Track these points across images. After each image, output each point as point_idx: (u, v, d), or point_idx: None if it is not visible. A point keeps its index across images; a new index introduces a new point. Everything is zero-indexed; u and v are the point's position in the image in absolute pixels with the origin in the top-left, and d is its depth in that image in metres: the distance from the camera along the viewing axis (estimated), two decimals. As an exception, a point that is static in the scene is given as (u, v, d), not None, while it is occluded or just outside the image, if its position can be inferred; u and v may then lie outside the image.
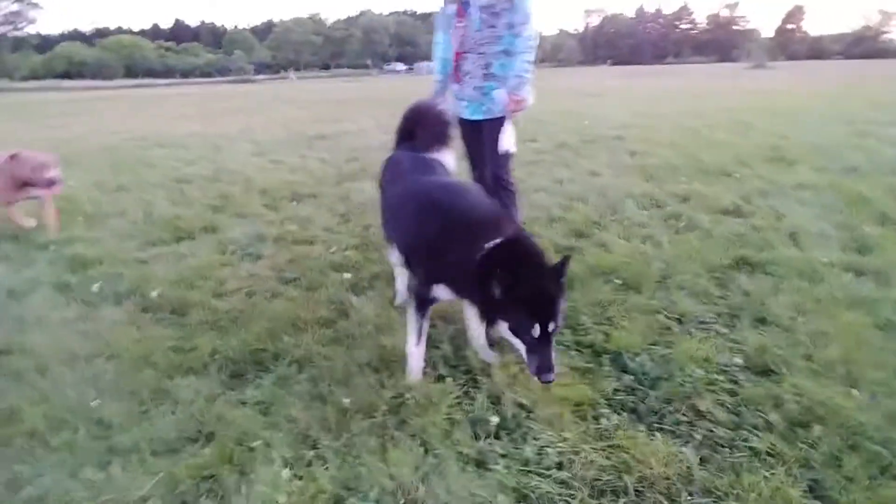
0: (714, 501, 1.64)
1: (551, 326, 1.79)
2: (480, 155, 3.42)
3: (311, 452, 1.84)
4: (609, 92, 19.69)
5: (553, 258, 1.98)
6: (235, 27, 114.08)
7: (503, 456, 1.82)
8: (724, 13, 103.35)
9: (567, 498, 1.66)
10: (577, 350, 2.44)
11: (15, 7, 59.88)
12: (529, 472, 1.75)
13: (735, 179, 5.51)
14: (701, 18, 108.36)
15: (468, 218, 1.96)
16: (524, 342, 1.82)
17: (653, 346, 2.44)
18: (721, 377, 2.19)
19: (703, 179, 5.53)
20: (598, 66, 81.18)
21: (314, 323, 2.72)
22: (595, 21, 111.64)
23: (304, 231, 4.24)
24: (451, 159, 2.80)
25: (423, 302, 2.14)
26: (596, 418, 2.00)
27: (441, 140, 2.74)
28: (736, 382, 2.17)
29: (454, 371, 2.31)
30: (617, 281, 3.09)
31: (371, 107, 15.86)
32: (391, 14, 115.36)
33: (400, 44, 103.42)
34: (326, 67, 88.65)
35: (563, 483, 1.71)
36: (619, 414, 2.03)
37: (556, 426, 1.94)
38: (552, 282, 1.83)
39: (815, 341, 2.41)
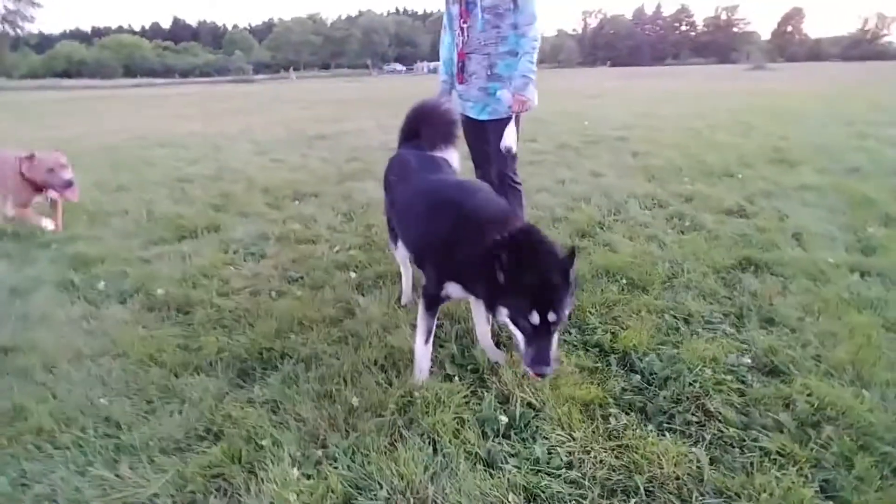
0: (726, 501, 1.64)
1: (552, 316, 1.71)
2: (485, 155, 3.42)
3: (321, 451, 1.83)
4: (609, 93, 19.73)
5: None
6: (235, 27, 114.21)
7: (513, 455, 1.81)
8: (723, 15, 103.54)
9: (578, 498, 1.66)
10: (584, 349, 2.44)
11: (14, 6, 59.71)
12: (539, 471, 1.75)
13: (738, 180, 5.51)
14: (700, 20, 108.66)
15: (480, 215, 1.95)
16: (522, 331, 1.76)
17: (660, 346, 2.43)
18: (729, 377, 2.19)
19: (706, 180, 5.54)
20: (598, 67, 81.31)
21: (320, 322, 2.72)
22: (594, 22, 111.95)
23: (307, 230, 4.24)
24: (456, 158, 2.80)
25: (433, 300, 2.13)
26: (605, 418, 1.99)
27: (447, 139, 2.73)
28: (744, 383, 2.17)
29: (461, 370, 2.30)
30: (623, 281, 3.09)
31: (371, 107, 15.87)
32: (391, 14, 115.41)
33: (400, 44, 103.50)
34: (326, 67, 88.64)
35: (573, 483, 1.71)
36: (627, 414, 2.02)
37: (565, 426, 1.94)
38: (556, 271, 1.75)
39: (824, 342, 2.41)
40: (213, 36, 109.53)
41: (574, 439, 1.87)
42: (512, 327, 1.80)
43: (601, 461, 1.78)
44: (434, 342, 2.29)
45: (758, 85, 22.08)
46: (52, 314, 2.86)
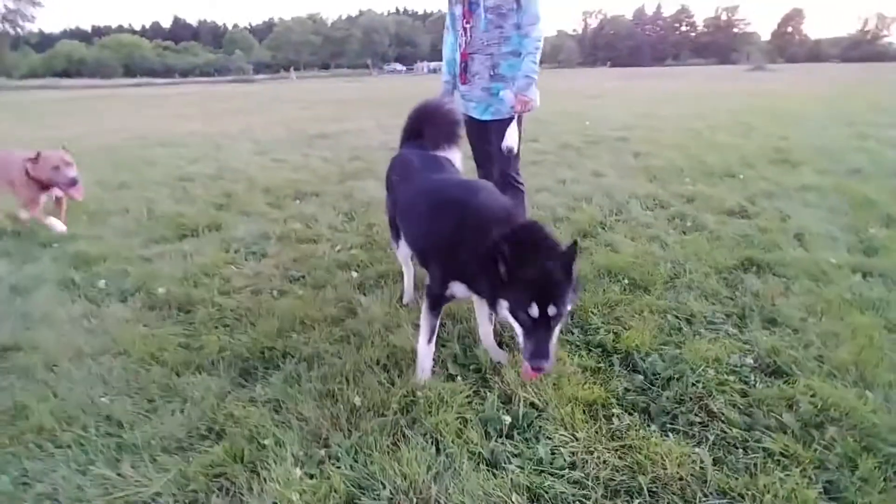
0: (730, 502, 1.63)
1: (552, 310, 1.69)
2: (487, 155, 3.42)
3: (323, 451, 1.82)
4: (609, 93, 19.74)
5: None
6: (235, 26, 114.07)
7: (516, 455, 1.81)
8: (724, 16, 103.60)
9: (581, 498, 1.65)
10: (587, 349, 2.43)
11: (14, 5, 59.63)
12: (543, 471, 1.74)
13: (739, 181, 5.51)
14: (700, 21, 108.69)
15: (484, 214, 1.94)
16: (521, 324, 1.74)
17: (663, 347, 2.43)
18: (732, 378, 2.18)
19: (707, 181, 5.54)
20: (598, 67, 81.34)
21: (322, 321, 2.72)
22: (594, 22, 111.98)
23: (308, 229, 4.23)
24: (459, 159, 2.79)
25: (437, 300, 2.12)
26: (608, 418, 1.99)
27: (450, 139, 2.73)
28: (747, 383, 2.17)
29: (464, 370, 2.30)
30: (625, 281, 3.08)
31: (371, 107, 15.88)
32: (391, 14, 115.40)
33: (400, 44, 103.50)
34: (326, 67, 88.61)
35: (576, 483, 1.70)
36: (630, 414, 2.02)
37: (568, 426, 1.93)
38: (558, 265, 1.74)
39: (826, 343, 2.41)
40: (213, 35, 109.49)
41: (577, 439, 1.87)
42: (512, 321, 1.79)
43: (604, 461, 1.77)
44: (436, 342, 2.28)
45: (758, 86, 22.10)
46: (52, 313, 2.85)
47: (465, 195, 2.08)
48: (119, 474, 1.72)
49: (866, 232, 3.84)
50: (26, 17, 61.74)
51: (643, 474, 1.72)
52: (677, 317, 2.70)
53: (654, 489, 1.68)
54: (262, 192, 5.45)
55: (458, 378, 2.21)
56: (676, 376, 2.19)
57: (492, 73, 3.18)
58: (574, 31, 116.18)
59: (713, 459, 1.78)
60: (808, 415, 1.95)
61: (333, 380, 2.20)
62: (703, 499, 1.64)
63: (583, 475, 1.72)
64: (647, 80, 30.30)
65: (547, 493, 1.66)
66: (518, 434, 1.91)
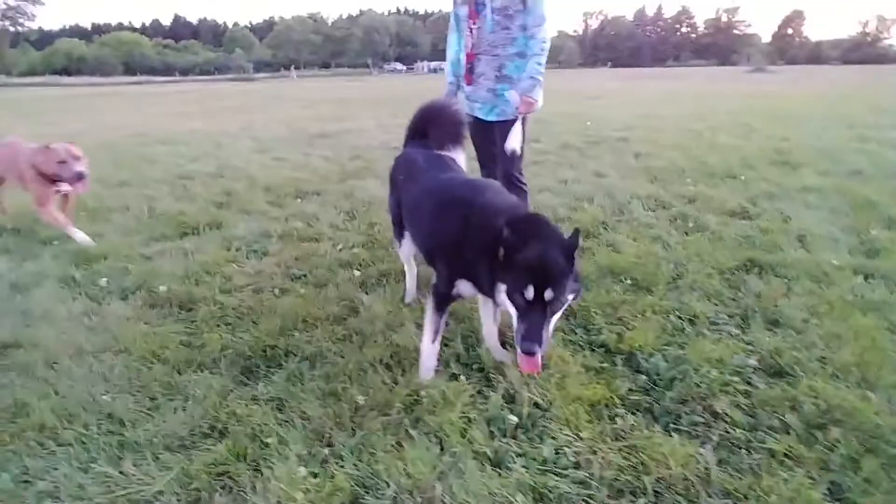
0: (734, 503, 1.63)
1: (548, 294, 1.67)
2: (491, 155, 3.42)
3: (327, 450, 1.82)
4: (610, 94, 19.75)
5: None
6: (235, 25, 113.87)
7: (520, 455, 1.80)
8: (724, 17, 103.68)
9: (586, 498, 1.65)
10: (590, 349, 2.43)
11: (14, 2, 59.55)
12: (547, 471, 1.73)
13: (740, 182, 5.51)
14: (700, 22, 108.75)
15: (492, 212, 1.94)
16: (517, 307, 1.72)
17: (666, 347, 2.42)
18: (736, 378, 2.18)
19: (709, 181, 5.54)
20: (598, 68, 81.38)
21: (324, 320, 2.71)
22: (594, 23, 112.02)
23: (309, 228, 4.22)
24: (463, 159, 2.79)
25: (444, 299, 2.12)
26: (612, 418, 1.98)
27: (455, 140, 2.72)
28: (750, 384, 2.16)
29: (467, 369, 2.29)
30: (628, 281, 3.08)
31: (372, 106, 15.88)
32: (392, 14, 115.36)
33: (400, 43, 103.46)
34: (326, 66, 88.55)
35: (581, 483, 1.70)
36: (634, 414, 2.01)
37: (572, 426, 1.93)
38: (557, 250, 1.73)
39: (829, 344, 2.40)
40: (213, 34, 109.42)
41: (581, 439, 1.86)
42: (509, 306, 1.77)
43: (609, 461, 1.77)
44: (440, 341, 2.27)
45: (758, 87, 22.12)
46: (53, 310, 2.84)
47: (471, 194, 2.08)
48: (121, 472, 1.72)
49: (867, 234, 3.83)
50: (27, 15, 61.72)
51: (647, 474, 1.71)
52: (680, 317, 2.69)
53: (659, 489, 1.67)
54: (263, 190, 5.44)
55: (462, 377, 2.20)
56: (679, 377, 2.19)
57: (498, 74, 3.18)
58: (575, 31, 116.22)
59: (717, 460, 1.77)
60: (811, 416, 1.94)
61: (336, 378, 2.20)
62: (708, 499, 1.63)
63: (587, 475, 1.72)
64: (648, 81, 30.32)
65: (552, 492, 1.65)
66: (522, 433, 1.91)
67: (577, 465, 1.76)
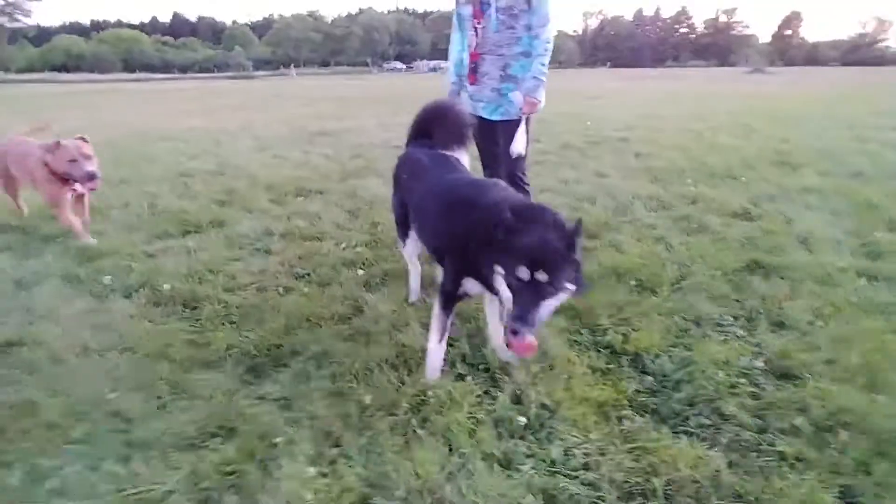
0: (744, 505, 1.63)
1: (542, 276, 1.64)
2: (494, 155, 3.42)
3: (335, 450, 1.81)
4: (610, 94, 19.74)
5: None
6: (235, 22, 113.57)
7: (529, 456, 1.80)
8: (722, 18, 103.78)
9: (596, 500, 1.65)
10: (596, 350, 2.43)
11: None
12: (556, 472, 1.73)
13: (741, 183, 5.51)
14: (699, 22, 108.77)
15: (500, 209, 1.93)
16: (512, 289, 1.70)
17: (672, 348, 2.43)
18: (743, 380, 2.18)
19: (710, 182, 5.54)
20: (598, 68, 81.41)
21: (329, 319, 2.71)
22: (594, 23, 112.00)
23: (312, 227, 4.21)
24: (467, 159, 2.78)
25: (450, 298, 2.11)
26: (619, 419, 1.98)
27: (459, 140, 2.71)
28: (758, 386, 2.16)
29: (473, 370, 2.29)
30: (632, 282, 3.08)
31: (372, 105, 15.85)
32: (391, 12, 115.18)
33: (400, 42, 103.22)
34: (326, 64, 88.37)
35: (590, 485, 1.70)
36: (642, 416, 2.01)
37: (580, 427, 1.93)
38: (556, 236, 1.71)
39: (836, 346, 2.40)
40: (212, 31, 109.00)
41: (590, 441, 1.86)
42: (505, 290, 1.74)
43: (618, 463, 1.77)
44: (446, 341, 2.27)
45: (757, 88, 22.15)
46: (57, 308, 2.83)
47: (477, 192, 2.08)
48: (131, 471, 1.71)
49: (870, 236, 3.84)
50: (23, 11, 61.44)
51: (657, 476, 1.71)
52: (685, 318, 2.69)
53: (670, 492, 1.67)
54: (264, 188, 5.42)
55: (468, 378, 2.20)
56: (686, 378, 2.19)
57: (503, 74, 3.18)
58: (574, 31, 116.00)
59: (728, 462, 1.77)
60: (819, 418, 1.95)
61: (343, 378, 2.19)
62: (718, 502, 1.64)
63: (597, 476, 1.72)
64: (648, 81, 30.34)
65: (562, 494, 1.65)
66: (531, 434, 1.91)
67: (586, 467, 1.76)
